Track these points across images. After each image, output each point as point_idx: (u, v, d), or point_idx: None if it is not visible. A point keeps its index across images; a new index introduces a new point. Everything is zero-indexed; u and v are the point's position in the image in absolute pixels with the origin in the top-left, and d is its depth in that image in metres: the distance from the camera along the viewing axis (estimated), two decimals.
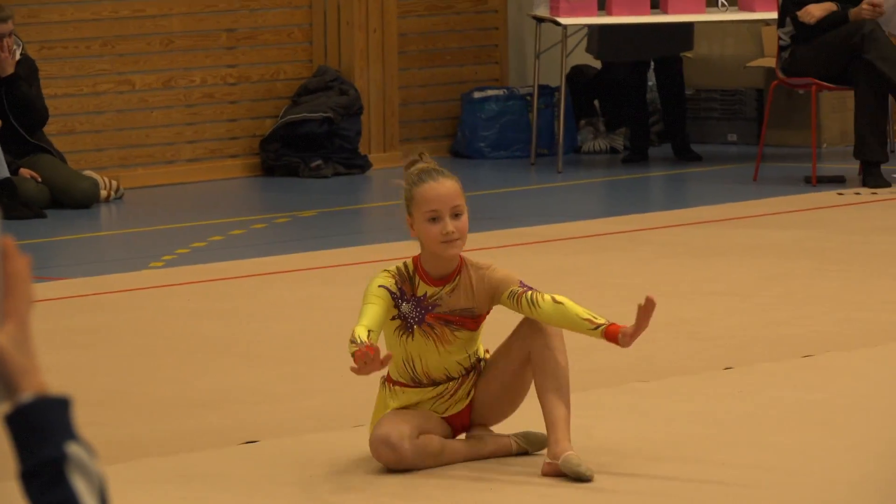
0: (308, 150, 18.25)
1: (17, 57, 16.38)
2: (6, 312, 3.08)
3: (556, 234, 15.69)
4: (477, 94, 19.37)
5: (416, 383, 7.76)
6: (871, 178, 16.52)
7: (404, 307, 7.60)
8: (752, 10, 18.60)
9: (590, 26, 19.16)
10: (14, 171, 16.06)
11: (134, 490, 8.21)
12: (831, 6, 17.09)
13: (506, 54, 20.84)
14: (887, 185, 16.58)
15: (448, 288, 7.61)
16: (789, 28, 17.29)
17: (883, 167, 16.86)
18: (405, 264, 7.69)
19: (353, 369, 7.46)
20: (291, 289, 13.53)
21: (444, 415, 7.91)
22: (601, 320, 7.66)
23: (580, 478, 7.58)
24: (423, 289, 7.60)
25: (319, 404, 10.37)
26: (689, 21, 18.60)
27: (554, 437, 7.66)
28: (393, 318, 7.63)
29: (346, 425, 9.86)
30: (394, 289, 7.61)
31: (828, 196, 16.77)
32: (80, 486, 3.02)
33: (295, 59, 18.99)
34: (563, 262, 14.48)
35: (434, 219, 7.48)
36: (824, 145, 18.65)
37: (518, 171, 19.41)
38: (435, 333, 7.59)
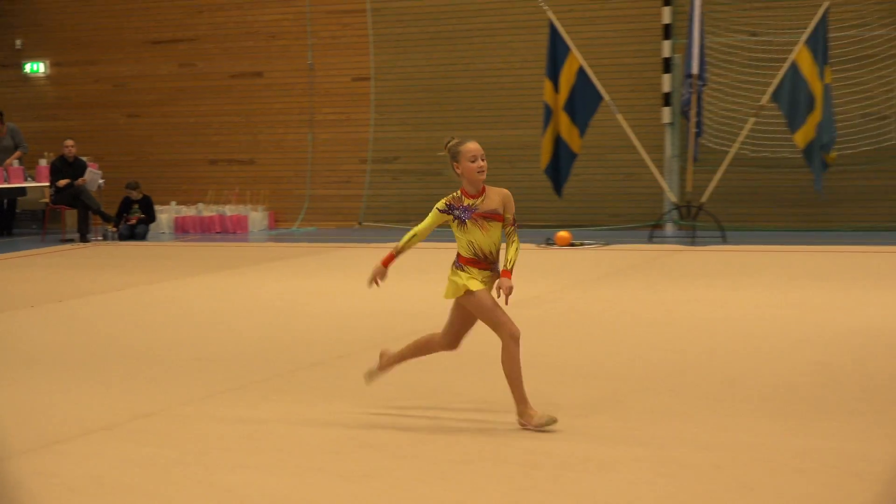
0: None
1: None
2: None
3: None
4: None
5: (477, 257, 6.78)
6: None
7: (456, 213, 6.81)
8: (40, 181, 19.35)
9: None
10: None
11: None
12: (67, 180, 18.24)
13: None
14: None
15: (480, 200, 6.80)
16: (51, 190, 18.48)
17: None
18: (455, 192, 6.88)
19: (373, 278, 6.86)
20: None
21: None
22: (507, 267, 6.71)
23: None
24: (467, 201, 6.80)
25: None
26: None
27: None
28: (453, 220, 6.82)
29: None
30: (445, 207, 6.82)
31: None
32: None
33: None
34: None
35: (472, 160, 6.76)
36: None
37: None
38: (478, 224, 6.76)
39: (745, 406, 7.11)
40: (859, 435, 6.42)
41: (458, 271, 6.80)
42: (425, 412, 7.10)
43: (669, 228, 18.74)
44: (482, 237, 6.80)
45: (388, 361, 7.27)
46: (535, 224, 19.29)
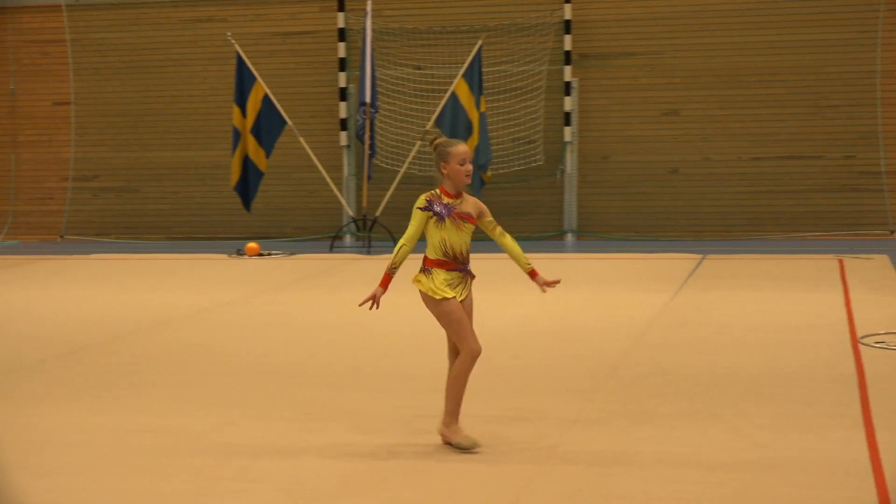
0: None
1: None
2: None
3: None
4: None
5: (446, 257, 6.17)
6: None
7: (437, 209, 6.16)
8: None
9: None
10: None
11: None
12: None
13: None
14: None
15: (458, 201, 6.15)
16: None
17: None
18: (434, 191, 6.22)
19: (370, 299, 6.17)
20: None
21: (460, 298, 6.17)
22: (530, 265, 6.30)
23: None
24: (446, 200, 6.15)
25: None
26: None
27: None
28: (431, 217, 6.16)
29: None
30: (425, 204, 6.19)
31: None
32: None
33: None
34: None
35: (462, 163, 6.14)
36: None
37: None
38: (455, 223, 6.11)
39: (407, 385, 7.31)
40: (527, 404, 6.66)
41: (424, 276, 6.15)
42: (126, 412, 6.88)
43: (348, 239, 18.66)
44: (457, 236, 6.14)
45: (449, 420, 6.10)
46: (226, 237, 19.24)
